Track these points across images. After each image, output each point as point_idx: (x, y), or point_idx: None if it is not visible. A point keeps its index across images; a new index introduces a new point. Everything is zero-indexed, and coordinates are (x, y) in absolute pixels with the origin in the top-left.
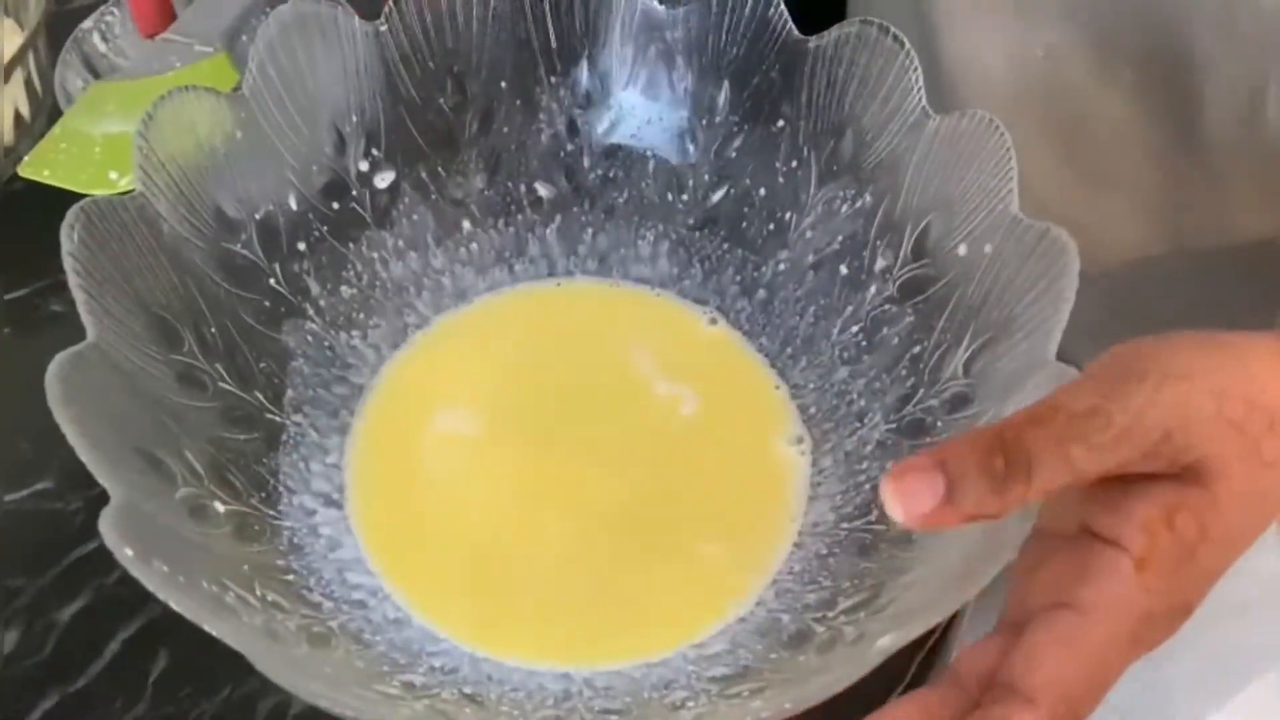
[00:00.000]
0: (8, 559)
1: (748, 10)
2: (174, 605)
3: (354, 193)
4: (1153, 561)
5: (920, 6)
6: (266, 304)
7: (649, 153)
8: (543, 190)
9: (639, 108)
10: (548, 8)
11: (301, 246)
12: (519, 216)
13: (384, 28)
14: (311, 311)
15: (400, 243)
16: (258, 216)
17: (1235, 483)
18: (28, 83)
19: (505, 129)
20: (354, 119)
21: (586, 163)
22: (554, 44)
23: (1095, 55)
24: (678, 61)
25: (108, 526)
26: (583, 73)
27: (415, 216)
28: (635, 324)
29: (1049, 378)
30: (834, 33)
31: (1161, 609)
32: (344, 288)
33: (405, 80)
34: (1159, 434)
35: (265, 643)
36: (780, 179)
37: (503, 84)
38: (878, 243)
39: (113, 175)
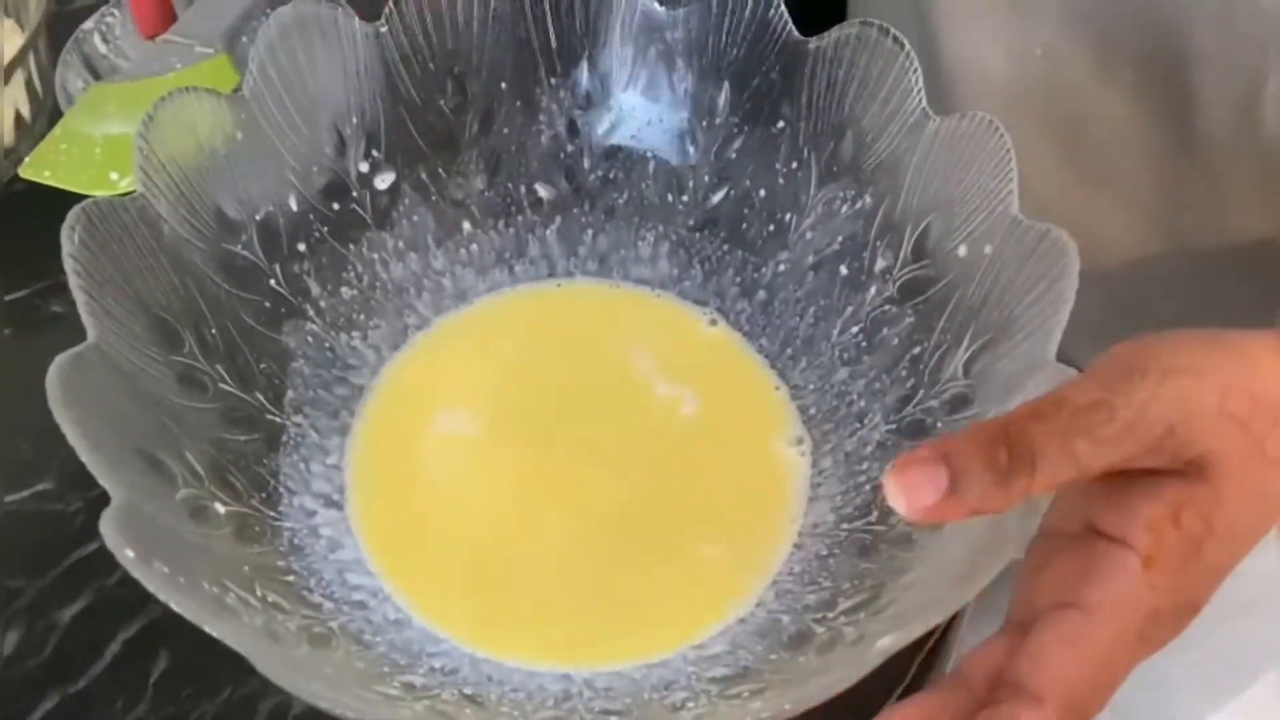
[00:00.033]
0: (8, 560)
1: (748, 11)
2: (175, 606)
3: (354, 194)
4: (1159, 560)
5: (919, 7)
6: (267, 305)
7: (649, 154)
8: (543, 191)
9: (639, 109)
10: (548, 9)
11: (302, 247)
12: (519, 218)
13: (384, 29)
14: (312, 312)
15: (400, 244)
16: (258, 217)
17: (1239, 479)
18: (28, 83)
19: (505, 130)
20: (354, 120)
21: (587, 164)
22: (554, 45)
23: (1094, 55)
24: (678, 63)
25: (109, 528)
26: (583, 74)
27: (415, 217)
28: (635, 325)
29: (1049, 378)
30: (834, 34)
31: (1168, 607)
32: (344, 289)
33: (405, 81)
34: (1162, 428)
35: (266, 644)
36: (780, 180)
37: (503, 85)
38: (878, 244)
39: (113, 176)
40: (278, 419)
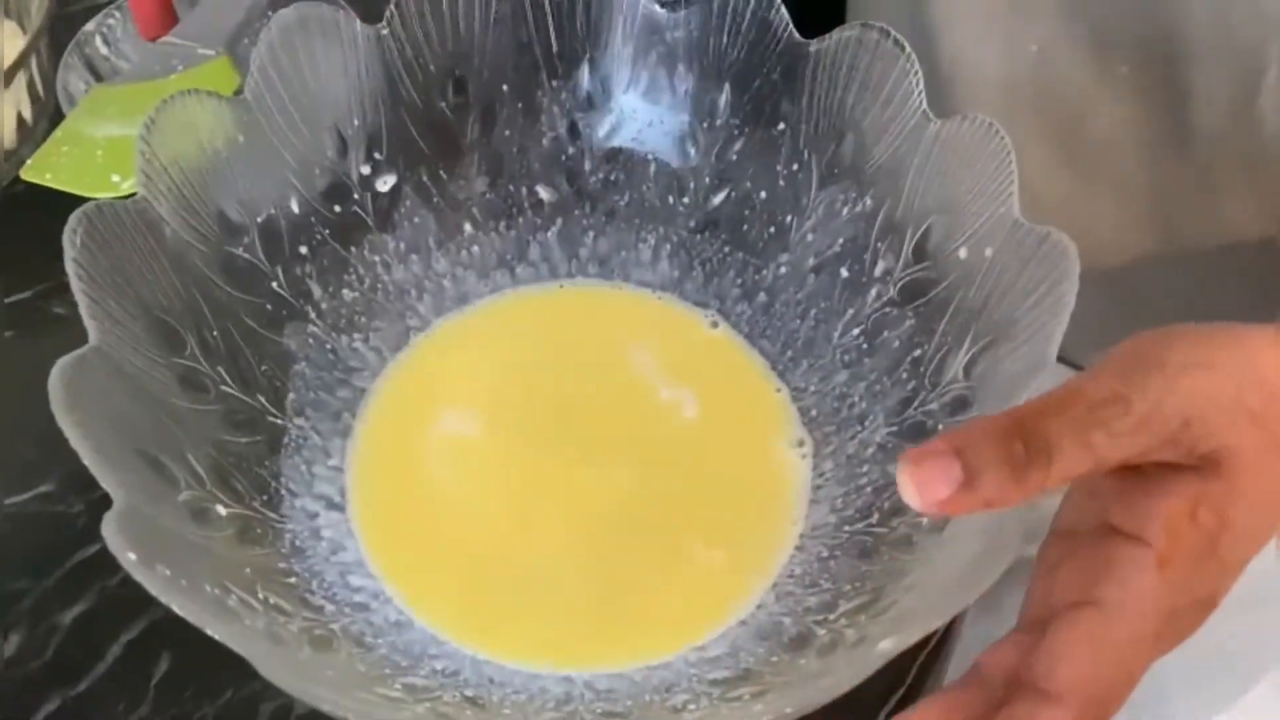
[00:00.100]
0: (10, 562)
1: (749, 13)
2: (176, 609)
3: (356, 196)
4: (1176, 557)
5: (918, 7)
6: (268, 307)
7: (650, 156)
8: (544, 193)
9: (640, 111)
10: (549, 11)
11: (303, 250)
12: (520, 220)
13: (385, 31)
14: (313, 314)
15: (402, 246)
16: (260, 220)
17: (1254, 474)
18: (30, 85)
19: (507, 132)
20: (356, 122)
21: (588, 166)
22: (555, 47)
23: (1091, 53)
24: (678, 65)
25: (111, 530)
26: (584, 76)
27: (417, 220)
28: (636, 327)
29: (1050, 380)
30: (835, 36)
31: (1185, 603)
32: (346, 291)
33: (407, 83)
34: (1178, 422)
35: (267, 646)
36: (781, 182)
37: (504, 87)
38: (879, 246)
39: (115, 178)
40: (279, 421)
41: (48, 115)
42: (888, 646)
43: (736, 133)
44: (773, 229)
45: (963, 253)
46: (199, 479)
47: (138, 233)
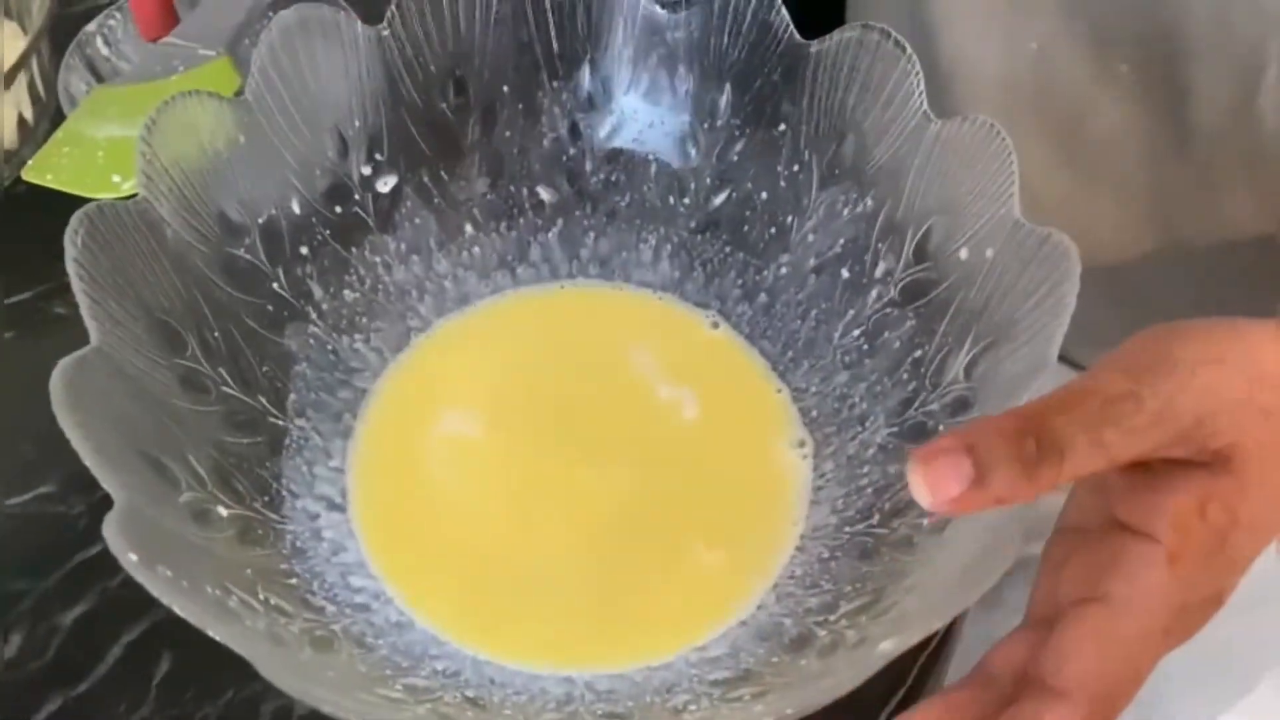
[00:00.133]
0: (11, 563)
1: (749, 14)
2: (177, 610)
3: (356, 197)
4: (1186, 553)
5: (917, 6)
6: (269, 308)
7: (651, 156)
8: (545, 194)
9: (641, 112)
10: (550, 12)
11: (304, 250)
12: (521, 220)
13: (386, 32)
14: (314, 315)
15: (403, 247)
16: (260, 220)
17: (1264, 470)
18: (31, 86)
19: (507, 133)
20: (356, 123)
21: (588, 167)
22: (556, 48)
23: (1091, 51)
24: (679, 65)
25: (112, 531)
26: (585, 77)
27: (418, 220)
28: (637, 328)
29: (1051, 381)
30: (835, 37)
31: (1194, 600)
32: (347, 292)
33: (407, 84)
34: (1190, 419)
35: (268, 647)
36: (782, 183)
37: (505, 88)
38: (879, 246)
39: (116, 179)
40: (280, 422)
41: (49, 116)
42: (888, 647)
43: (737, 133)
44: (773, 230)
45: (964, 253)
46: (200, 480)
47: (139, 233)
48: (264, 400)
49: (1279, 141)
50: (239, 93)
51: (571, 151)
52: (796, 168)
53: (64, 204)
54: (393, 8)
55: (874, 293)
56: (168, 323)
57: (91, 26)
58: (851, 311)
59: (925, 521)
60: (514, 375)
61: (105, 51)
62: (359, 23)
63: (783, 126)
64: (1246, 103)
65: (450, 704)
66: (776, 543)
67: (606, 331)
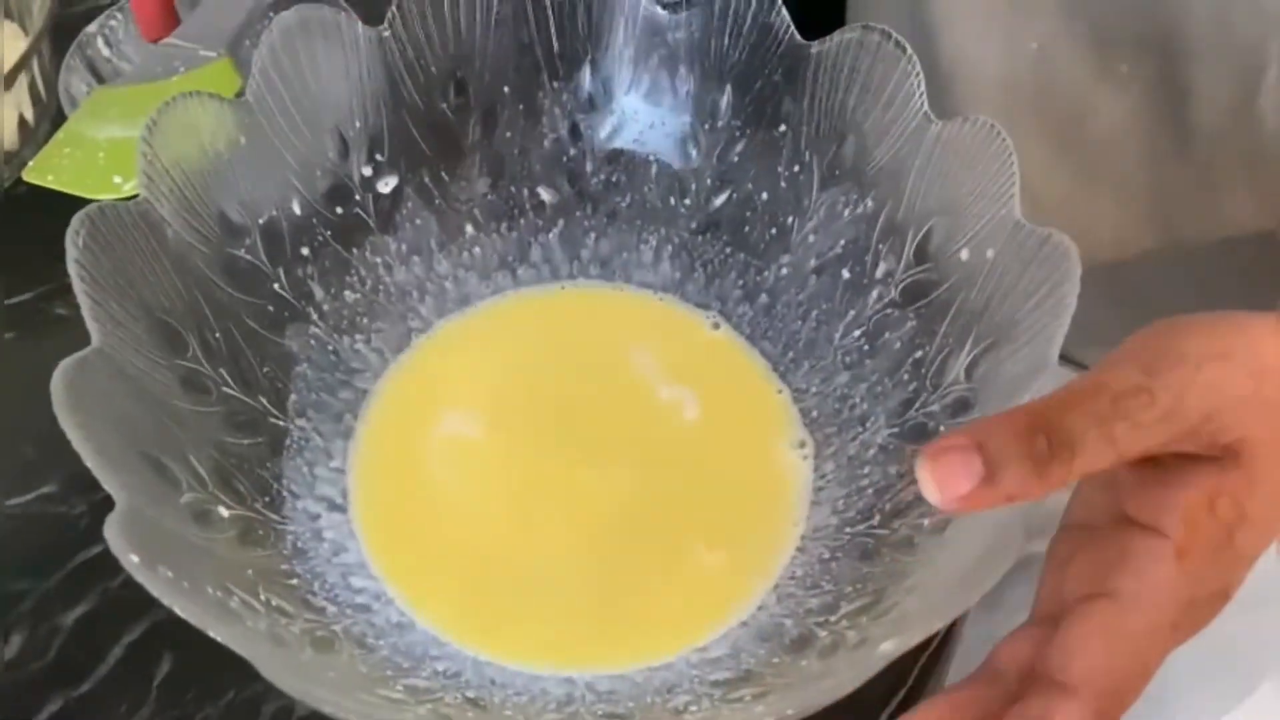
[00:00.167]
0: (12, 563)
1: (750, 15)
2: (178, 611)
3: (357, 197)
4: (1194, 548)
5: (918, 6)
6: (270, 309)
7: (651, 157)
8: (545, 195)
9: (641, 112)
10: (550, 12)
11: (305, 251)
12: (522, 221)
13: (387, 33)
14: (315, 316)
15: (403, 247)
16: (261, 221)
17: (1273, 465)
18: (32, 87)
19: (508, 134)
20: (357, 124)
21: (589, 167)
22: (557, 49)
23: (1091, 51)
24: (680, 66)
25: (113, 532)
26: (585, 77)
27: (418, 221)
28: (638, 328)
29: (1051, 381)
30: (836, 38)
31: (1202, 595)
32: (347, 292)
33: (408, 85)
34: (1200, 414)
35: (269, 648)
36: (782, 184)
37: (505, 89)
38: (880, 247)
39: (117, 180)
40: (281, 422)
41: (50, 117)
42: (889, 648)
43: (738, 134)
44: (774, 230)
45: (964, 254)
46: (201, 481)
47: (140, 234)
48: (265, 401)
49: (1279, 142)
50: (240, 94)
51: (572, 152)
52: (797, 168)
53: (65, 205)
54: (393, 9)
55: (875, 293)
56: (168, 323)
57: (92, 27)
58: (852, 312)
59: (926, 522)
60: (515, 376)
61: (106, 52)
62: (360, 24)
63: (783, 127)
64: (1247, 103)
65: (451, 705)
66: (777, 543)
67: (607, 332)
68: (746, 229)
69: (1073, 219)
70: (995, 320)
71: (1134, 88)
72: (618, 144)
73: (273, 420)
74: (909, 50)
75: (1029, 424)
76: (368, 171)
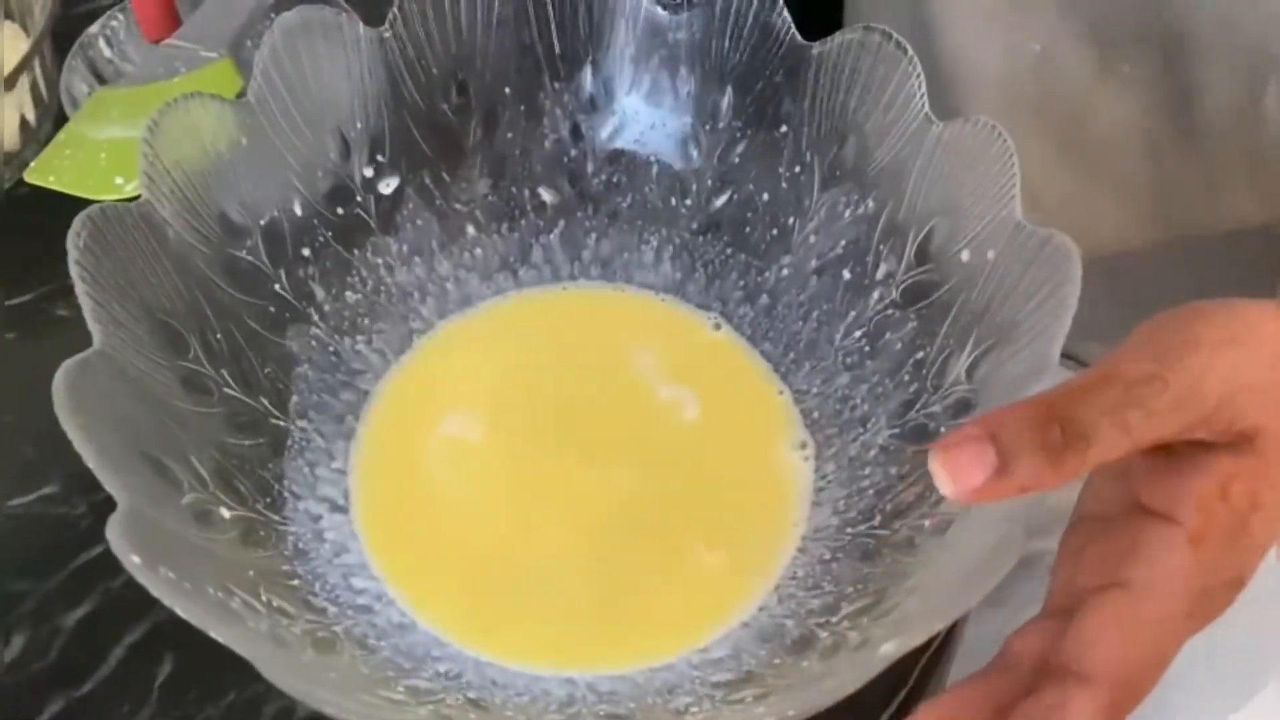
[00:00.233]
0: (13, 563)
1: (751, 16)
2: (180, 611)
3: (358, 198)
4: (1209, 535)
5: (917, 6)
6: (271, 309)
7: (652, 158)
8: (546, 195)
9: (642, 113)
10: (551, 13)
11: (306, 252)
12: (523, 222)
13: (388, 34)
14: (316, 317)
15: (405, 248)
16: (263, 222)
17: None
18: (33, 88)
19: (509, 134)
20: (358, 125)
21: (590, 168)
22: (558, 49)
23: (1093, 51)
24: (681, 67)
25: (115, 534)
26: (586, 78)
27: (419, 222)
28: (639, 329)
29: (1052, 382)
30: (837, 39)
31: (1216, 583)
32: (349, 293)
33: (409, 86)
34: (1214, 401)
35: (271, 648)
36: (783, 184)
37: (506, 89)
38: (881, 248)
39: (118, 180)
40: (282, 423)
41: (51, 118)
42: (890, 649)
43: (739, 135)
44: (775, 231)
45: (965, 255)
46: (202, 481)
47: (141, 235)
48: (266, 402)
49: None
50: (241, 94)
51: (573, 153)
52: (798, 169)
53: (66, 206)
54: (394, 9)
55: (875, 294)
56: (170, 324)
57: (94, 28)
58: (853, 313)
59: (927, 523)
60: (516, 377)
61: (108, 53)
62: (361, 24)
63: (784, 128)
64: (1252, 103)
65: (452, 705)
66: (778, 544)
67: (608, 333)
68: (747, 230)
69: (1074, 218)
70: (996, 321)
71: (1136, 87)
72: (619, 145)
73: (274, 421)
74: (910, 51)
75: (1042, 414)
76: (369, 172)
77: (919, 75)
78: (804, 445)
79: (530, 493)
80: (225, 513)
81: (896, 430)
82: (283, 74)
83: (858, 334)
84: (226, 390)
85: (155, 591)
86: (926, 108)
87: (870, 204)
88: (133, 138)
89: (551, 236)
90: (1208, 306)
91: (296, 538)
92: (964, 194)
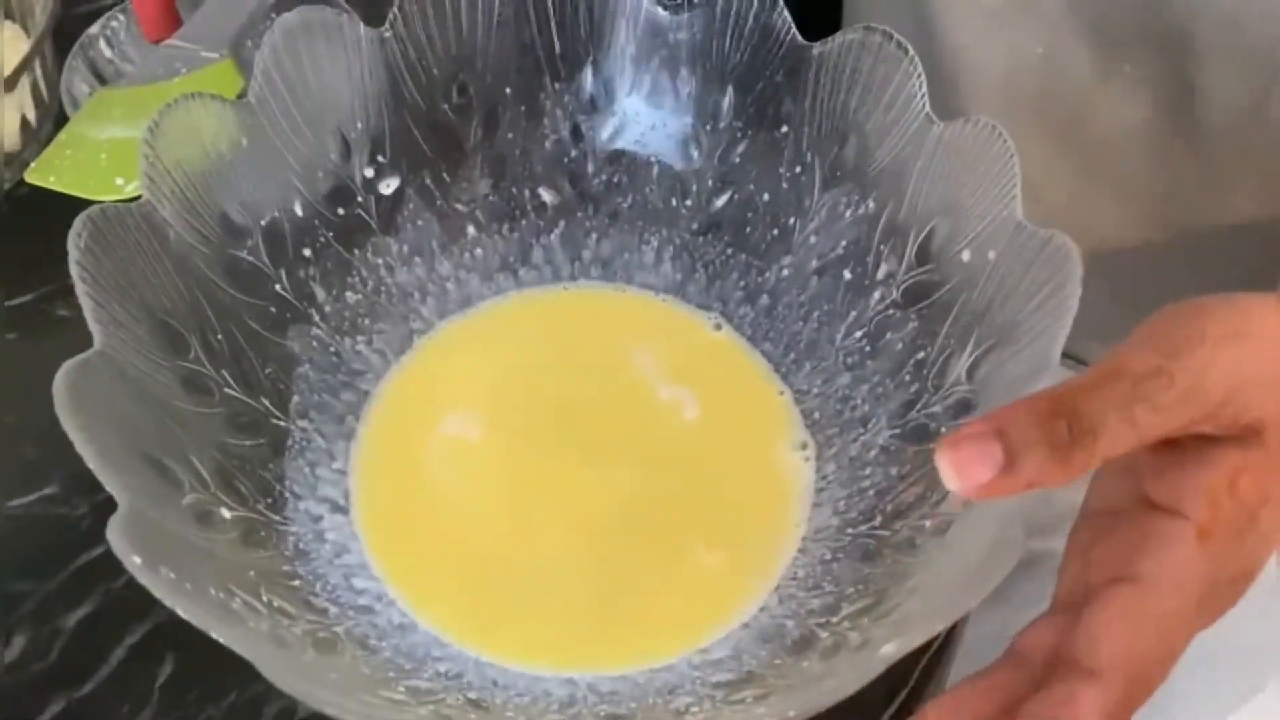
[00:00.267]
0: (14, 564)
1: (751, 16)
2: (181, 612)
3: (359, 199)
4: (1216, 528)
5: (918, 6)
6: (272, 310)
7: (653, 158)
8: (547, 196)
9: (643, 113)
10: (552, 13)
11: (307, 253)
12: (523, 222)
13: (388, 34)
14: (317, 317)
15: (405, 249)
16: (263, 223)
17: None
18: (34, 88)
19: (510, 135)
20: (359, 125)
21: (590, 168)
22: (558, 50)
23: (1096, 52)
24: (681, 67)
25: (116, 534)
26: (587, 79)
27: (420, 222)
28: (639, 329)
29: (1053, 382)
30: (838, 39)
31: (1225, 577)
32: (349, 294)
33: (410, 86)
34: (1220, 394)
35: (272, 649)
36: (784, 184)
37: (507, 90)
38: (881, 248)
39: (119, 181)
40: (283, 424)
41: (52, 118)
42: (891, 650)
43: (739, 135)
44: (775, 231)
45: (966, 255)
46: (203, 482)
47: (141, 236)
48: (266, 402)
49: None
50: (242, 95)
51: (573, 153)
52: (799, 169)
53: (67, 206)
54: (395, 10)
55: (876, 294)
56: (170, 325)
57: (94, 28)
58: (854, 313)
59: (928, 524)
60: (516, 377)
61: (108, 53)
62: (361, 25)
63: (785, 128)
64: (1257, 105)
65: (453, 706)
66: (778, 544)
67: (609, 333)
68: (748, 230)
69: (1075, 218)
70: (997, 321)
71: (1139, 88)
72: (619, 145)
73: (275, 422)
74: (911, 51)
75: (1049, 410)
76: (369, 173)
77: (920, 75)
78: (804, 445)
79: (531, 493)
80: (226, 513)
81: (897, 430)
82: (283, 74)
83: (858, 334)
84: (227, 391)
85: (156, 592)
86: (927, 108)
87: (871, 204)
88: (133, 138)
89: (552, 237)
90: (1211, 301)
91: (297, 538)
92: (965, 194)
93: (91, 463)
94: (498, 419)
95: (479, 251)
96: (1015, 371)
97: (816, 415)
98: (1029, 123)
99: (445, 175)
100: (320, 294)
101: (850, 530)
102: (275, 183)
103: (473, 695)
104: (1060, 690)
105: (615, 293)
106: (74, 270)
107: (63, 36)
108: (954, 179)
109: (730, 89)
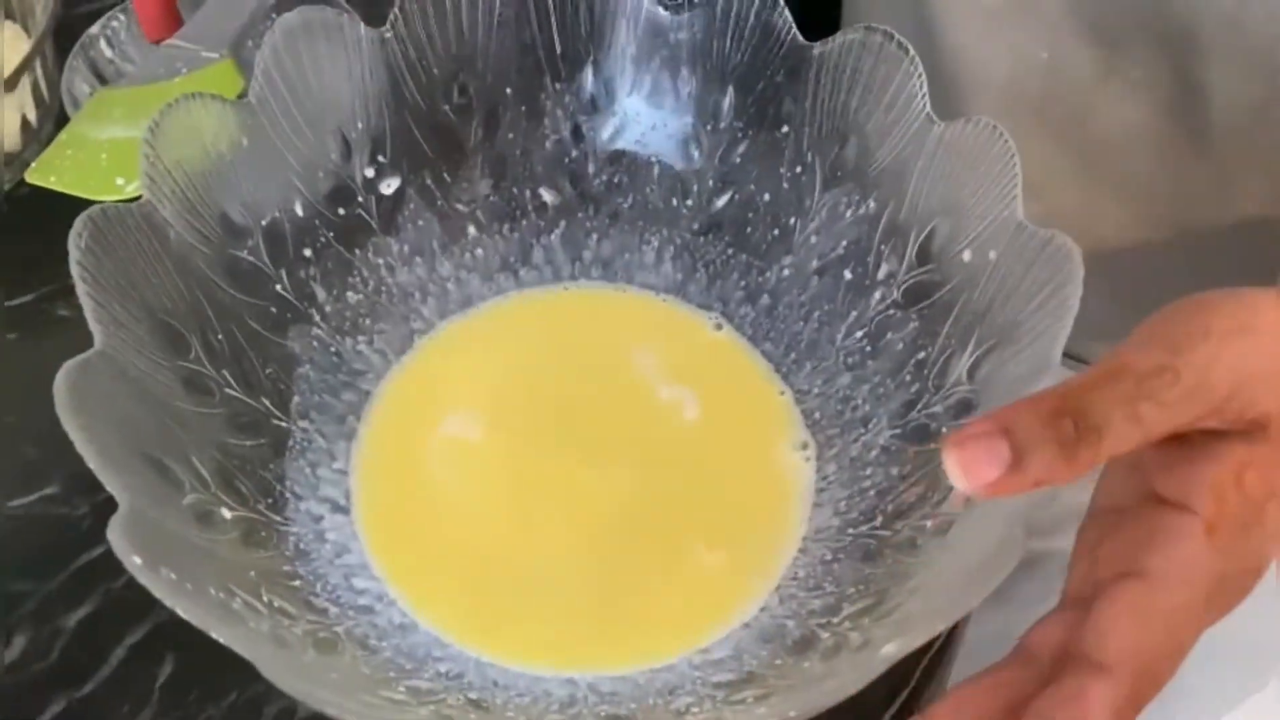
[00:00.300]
0: (14, 564)
1: (752, 16)
2: (181, 612)
3: (360, 199)
4: (1223, 523)
5: (918, 5)
6: (273, 310)
7: (653, 158)
8: (548, 196)
9: (643, 114)
10: (552, 13)
11: (307, 253)
12: (524, 222)
13: (389, 34)
14: (318, 317)
15: (406, 249)
16: (264, 223)
17: None
18: (34, 88)
19: (510, 135)
20: (359, 125)
21: (591, 168)
22: (559, 50)
23: (1099, 54)
24: (682, 67)
25: (116, 535)
26: (587, 79)
27: (421, 223)
28: (640, 329)
29: (1053, 382)
30: (839, 39)
31: (1233, 571)
32: (350, 294)
33: (410, 86)
34: (1225, 390)
35: (272, 649)
36: (784, 184)
37: (508, 90)
38: (882, 248)
39: (119, 181)
40: (284, 424)
41: (52, 118)
42: (892, 650)
43: (740, 135)
44: (776, 231)
45: (966, 255)
46: (203, 482)
47: (142, 236)
48: (267, 402)
49: None
50: (242, 95)
51: (574, 153)
52: (799, 169)
53: (67, 206)
54: (395, 10)
55: (877, 294)
56: (171, 325)
57: (95, 29)
58: (854, 313)
59: (928, 524)
60: (517, 377)
61: (109, 53)
62: (362, 25)
63: (785, 128)
64: (1263, 105)
65: (453, 706)
66: (779, 545)
67: (609, 333)
68: (748, 230)
69: (1076, 218)
70: (998, 321)
71: (1141, 88)
72: (620, 145)
73: (275, 422)
74: (911, 51)
75: (1055, 407)
76: (370, 173)
77: (920, 75)
78: (805, 446)
79: (531, 493)
80: (226, 513)
81: (898, 430)
82: (284, 74)
83: (859, 334)
84: (228, 391)
85: (156, 592)
86: (928, 108)
87: (871, 204)
88: (134, 138)
89: (552, 237)
90: (1215, 296)
91: (298, 538)
92: (965, 194)
93: (92, 463)
94: (498, 419)
95: (480, 251)
96: (1016, 372)
97: (817, 415)
98: (1030, 123)
99: (446, 175)
100: (321, 294)
101: (851, 530)
102: (276, 183)
103: (473, 695)
104: (1069, 685)
105: (616, 293)
106: (74, 270)
107: (63, 36)
108: (955, 179)
109: (731, 89)
